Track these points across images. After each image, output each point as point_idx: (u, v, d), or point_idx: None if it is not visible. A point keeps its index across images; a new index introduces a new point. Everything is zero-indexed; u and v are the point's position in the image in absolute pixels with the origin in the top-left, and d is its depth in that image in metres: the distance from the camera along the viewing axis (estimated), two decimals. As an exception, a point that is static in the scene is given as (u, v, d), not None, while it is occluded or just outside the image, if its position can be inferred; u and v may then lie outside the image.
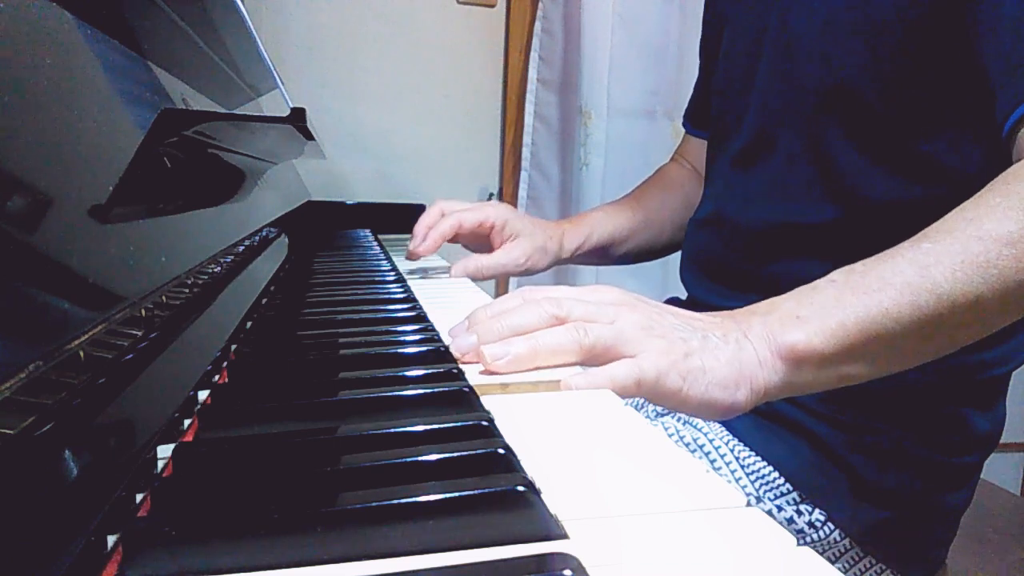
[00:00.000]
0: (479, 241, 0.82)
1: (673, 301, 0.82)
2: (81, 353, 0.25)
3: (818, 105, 0.61)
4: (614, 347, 0.41)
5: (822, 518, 0.59)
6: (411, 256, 0.79)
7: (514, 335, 0.42)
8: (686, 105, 0.95)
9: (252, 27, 0.67)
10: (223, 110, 0.68)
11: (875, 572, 0.61)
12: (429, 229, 0.78)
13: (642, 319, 0.43)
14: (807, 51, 0.62)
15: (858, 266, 0.45)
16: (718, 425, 0.64)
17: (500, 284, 1.66)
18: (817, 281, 0.46)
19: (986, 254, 0.42)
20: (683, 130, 0.96)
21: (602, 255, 0.90)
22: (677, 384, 0.41)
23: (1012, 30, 0.49)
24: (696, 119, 0.93)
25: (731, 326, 0.44)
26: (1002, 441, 0.64)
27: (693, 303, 0.77)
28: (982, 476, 0.67)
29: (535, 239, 0.80)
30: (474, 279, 0.78)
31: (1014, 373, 0.64)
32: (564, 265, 1.57)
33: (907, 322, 0.42)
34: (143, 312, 0.33)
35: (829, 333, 0.42)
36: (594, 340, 0.41)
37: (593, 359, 0.42)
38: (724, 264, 0.72)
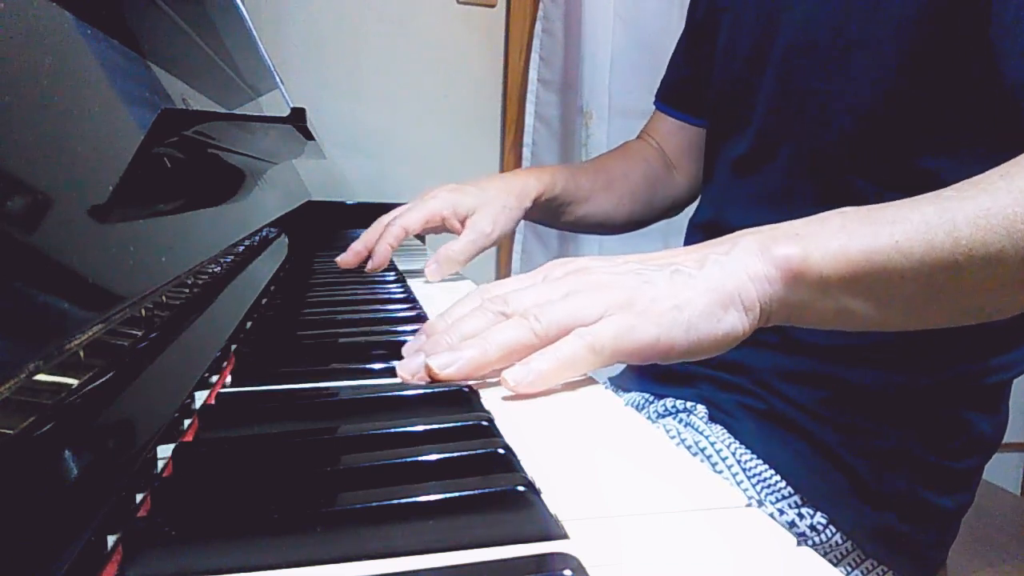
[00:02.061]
0: (439, 232, 0.78)
1: None
2: (81, 353, 0.25)
3: (824, 118, 0.60)
4: (572, 323, 0.38)
5: (824, 521, 0.59)
6: (347, 263, 0.73)
7: (468, 340, 0.39)
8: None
9: (252, 27, 0.67)
10: (223, 110, 0.68)
11: (877, 574, 0.61)
12: (375, 243, 0.72)
13: (596, 280, 0.40)
14: (817, 63, 0.61)
15: (874, 206, 0.41)
16: (719, 427, 0.63)
17: (501, 267, 1.65)
18: (825, 213, 0.42)
19: (1015, 207, 0.38)
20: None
21: (560, 212, 0.84)
22: (652, 333, 0.37)
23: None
24: (671, 98, 0.89)
25: (709, 250, 0.41)
26: (1003, 441, 0.64)
27: None
28: (982, 476, 0.67)
29: (492, 204, 0.75)
30: (453, 272, 0.74)
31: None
32: (565, 242, 1.57)
33: (918, 260, 0.38)
34: (143, 312, 0.33)
35: (830, 254, 0.39)
36: (547, 324, 0.38)
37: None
38: None
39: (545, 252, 1.59)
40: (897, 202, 0.41)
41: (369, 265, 0.73)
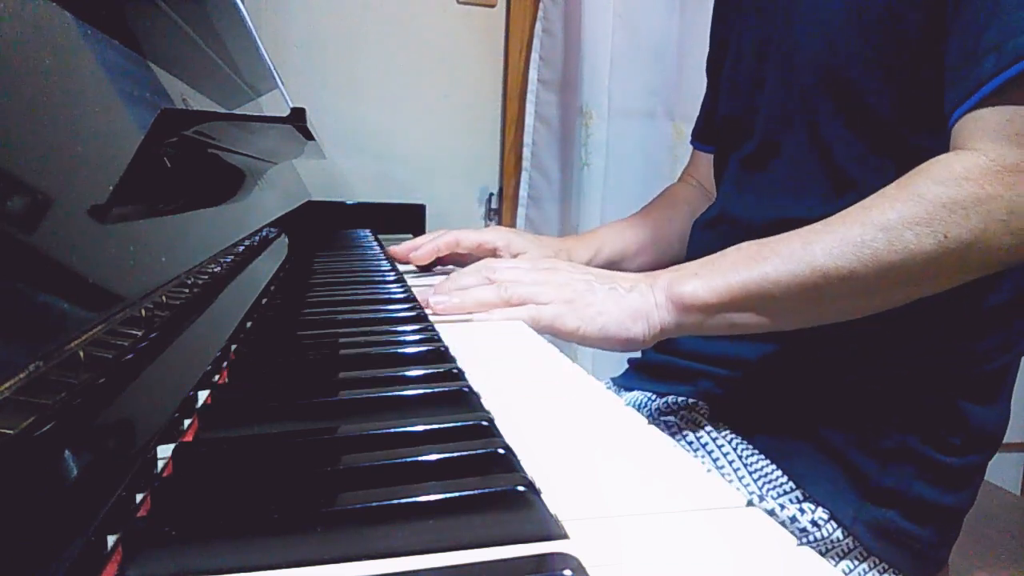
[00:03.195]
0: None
1: None
2: (81, 353, 0.25)
3: (821, 104, 0.62)
4: (528, 300, 0.56)
5: (825, 516, 0.59)
6: (397, 256, 0.82)
7: (457, 291, 0.58)
8: (694, 122, 0.96)
9: (252, 27, 0.67)
10: (223, 110, 0.68)
11: (878, 572, 0.61)
12: (427, 243, 0.83)
13: (560, 279, 0.57)
14: (808, 52, 0.63)
15: (765, 240, 0.54)
16: (721, 423, 0.64)
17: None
18: (727, 249, 0.56)
19: (862, 236, 0.49)
20: (684, 130, 0.97)
21: (613, 268, 0.93)
22: (574, 324, 0.54)
23: (969, 27, 0.50)
24: (704, 136, 0.93)
25: (639, 280, 0.57)
26: (1003, 441, 0.64)
27: None
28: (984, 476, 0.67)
29: (544, 252, 0.81)
30: None
31: (1017, 372, 0.64)
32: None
33: (785, 286, 0.51)
34: (143, 312, 0.33)
35: (714, 288, 0.53)
36: (511, 294, 0.56)
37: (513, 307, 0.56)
38: None
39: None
40: (781, 236, 0.53)
41: (413, 255, 0.84)
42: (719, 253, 0.56)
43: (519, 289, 0.56)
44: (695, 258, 0.78)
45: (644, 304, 0.55)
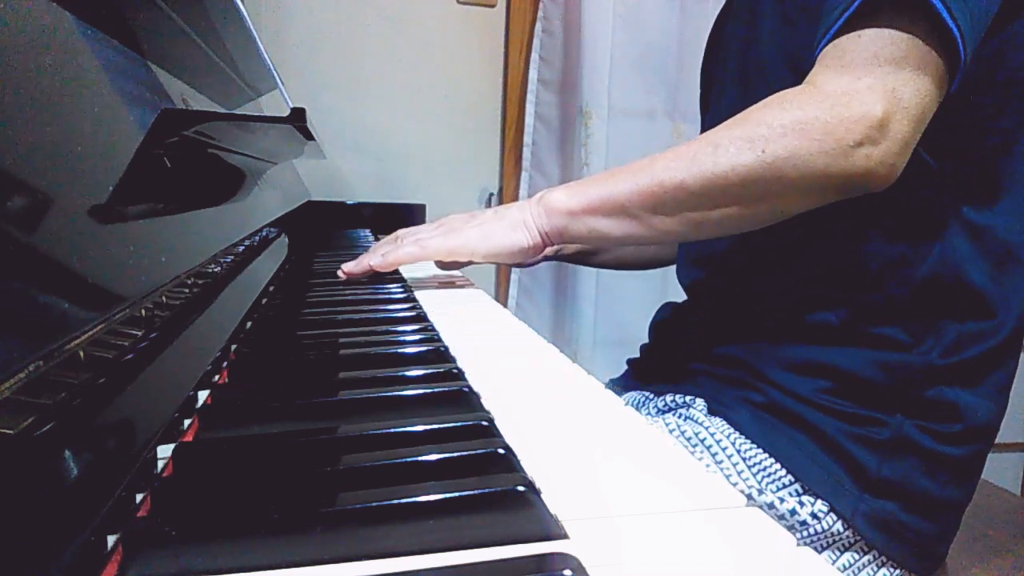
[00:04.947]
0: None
1: (669, 306, 0.83)
2: (81, 353, 0.25)
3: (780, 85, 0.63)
4: (417, 243, 0.67)
5: (824, 509, 0.59)
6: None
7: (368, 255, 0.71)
8: (693, 122, 0.96)
9: (252, 27, 0.67)
10: (223, 110, 0.68)
11: (878, 564, 0.61)
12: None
13: (449, 227, 0.68)
14: (767, 37, 0.65)
15: (631, 164, 0.61)
16: (719, 419, 0.64)
17: (500, 283, 1.66)
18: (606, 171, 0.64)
19: (695, 150, 0.55)
20: (684, 130, 0.97)
21: (584, 259, 1.01)
22: (458, 241, 0.65)
23: None
24: None
25: (520, 203, 0.66)
26: (1002, 441, 0.64)
27: (693, 300, 0.78)
28: (982, 476, 0.67)
29: None
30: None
31: (1015, 372, 0.63)
32: (564, 269, 1.59)
33: (630, 193, 0.58)
34: (143, 312, 0.33)
35: (576, 197, 0.62)
36: (404, 243, 0.68)
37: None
38: (714, 254, 0.72)
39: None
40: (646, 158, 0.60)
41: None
42: (598, 174, 0.65)
43: (415, 237, 0.66)
44: (686, 254, 0.80)
45: (521, 215, 0.64)
